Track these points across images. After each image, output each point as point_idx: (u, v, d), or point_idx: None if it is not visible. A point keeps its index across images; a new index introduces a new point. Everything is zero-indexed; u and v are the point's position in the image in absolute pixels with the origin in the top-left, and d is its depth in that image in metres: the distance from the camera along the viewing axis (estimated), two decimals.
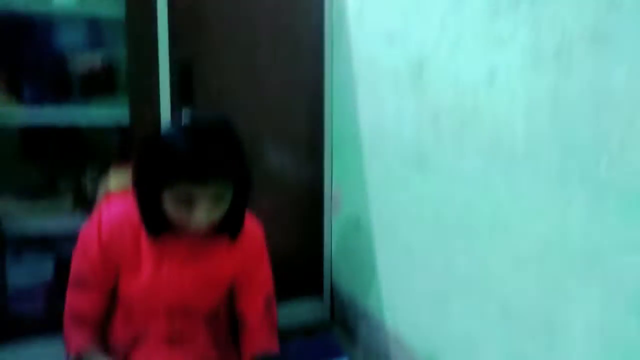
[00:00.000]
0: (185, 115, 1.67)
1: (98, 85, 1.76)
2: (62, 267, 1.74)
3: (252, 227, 1.24)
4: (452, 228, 1.29)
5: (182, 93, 1.69)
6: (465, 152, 1.22)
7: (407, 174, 1.48)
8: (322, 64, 1.93)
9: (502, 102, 1.09)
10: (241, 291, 1.25)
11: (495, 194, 1.13)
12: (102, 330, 1.18)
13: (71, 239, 1.15)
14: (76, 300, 1.14)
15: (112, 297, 1.18)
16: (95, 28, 1.77)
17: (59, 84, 1.71)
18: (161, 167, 0.99)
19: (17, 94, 1.63)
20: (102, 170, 1.77)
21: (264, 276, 1.27)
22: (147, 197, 1.04)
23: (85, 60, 1.72)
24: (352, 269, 1.90)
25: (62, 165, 1.88)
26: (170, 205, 1.01)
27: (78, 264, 1.14)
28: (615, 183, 0.85)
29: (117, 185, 1.68)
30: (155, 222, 1.07)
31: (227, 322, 1.29)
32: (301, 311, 2.02)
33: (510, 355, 1.11)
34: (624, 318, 0.85)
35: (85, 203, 1.79)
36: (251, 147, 1.08)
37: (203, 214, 1.00)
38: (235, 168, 1.03)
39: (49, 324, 1.62)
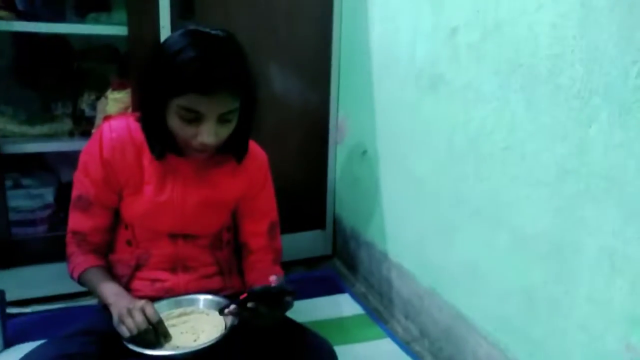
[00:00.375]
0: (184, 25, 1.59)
1: (94, 2, 1.67)
2: (63, 191, 1.74)
3: (257, 152, 1.20)
4: (463, 154, 1.25)
5: (182, 6, 1.60)
6: (482, 71, 1.16)
7: (419, 96, 1.42)
8: None
9: (525, 15, 1.01)
10: (244, 216, 1.23)
11: (512, 115, 1.07)
12: (105, 255, 1.17)
13: (70, 162, 1.12)
14: (79, 221, 1.13)
15: (115, 222, 1.16)
16: None
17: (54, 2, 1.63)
18: (169, 77, 0.93)
19: (9, 8, 1.55)
20: (99, 93, 1.73)
21: (267, 202, 1.25)
22: (153, 113, 1.00)
23: None
24: (356, 199, 1.88)
25: (58, 89, 1.82)
26: (176, 123, 0.97)
27: (80, 183, 1.11)
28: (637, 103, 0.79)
29: (115, 108, 1.64)
30: (160, 141, 1.04)
31: (232, 251, 1.27)
32: (303, 243, 2.02)
33: (516, 284, 1.10)
34: (637, 243, 0.81)
35: (83, 126, 1.75)
36: (254, 67, 1.02)
37: (211, 131, 0.96)
38: (244, 82, 0.98)
39: (50, 247, 1.62)
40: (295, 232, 1.97)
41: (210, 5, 1.66)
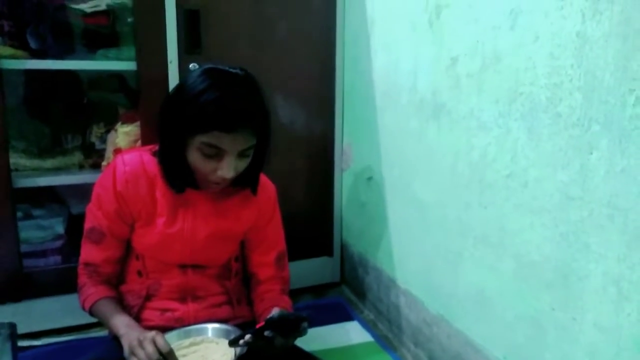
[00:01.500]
0: (195, 67, 1.63)
1: (103, 35, 1.72)
2: (73, 222, 1.76)
3: (266, 183, 1.23)
4: (467, 180, 1.26)
5: (189, 41, 1.65)
6: (483, 100, 1.18)
7: (422, 124, 1.44)
8: (333, 10, 1.86)
9: (524, 45, 1.04)
10: (253, 247, 1.25)
11: (513, 143, 1.09)
12: (116, 286, 1.19)
13: (81, 194, 1.14)
14: (91, 253, 1.15)
15: (127, 253, 1.18)
16: None
17: (63, 34, 1.68)
18: (192, 116, 0.98)
19: (22, 47, 1.60)
20: (109, 125, 1.77)
21: (275, 232, 1.27)
22: (174, 149, 1.04)
23: (90, 10, 1.67)
24: (363, 226, 1.89)
25: (68, 122, 1.86)
26: (197, 158, 1.01)
27: (93, 215, 1.13)
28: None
29: (125, 141, 1.68)
30: (180, 175, 1.07)
31: (241, 280, 1.28)
32: (310, 270, 2.02)
33: (524, 311, 1.10)
34: None
35: (93, 159, 1.78)
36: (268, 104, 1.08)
37: (231, 166, 1.01)
38: (262, 119, 1.04)
39: (61, 279, 1.63)
40: (303, 259, 1.97)
41: (217, 40, 1.70)
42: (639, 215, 0.82)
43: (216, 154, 1.00)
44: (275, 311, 0.98)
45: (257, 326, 0.95)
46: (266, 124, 1.06)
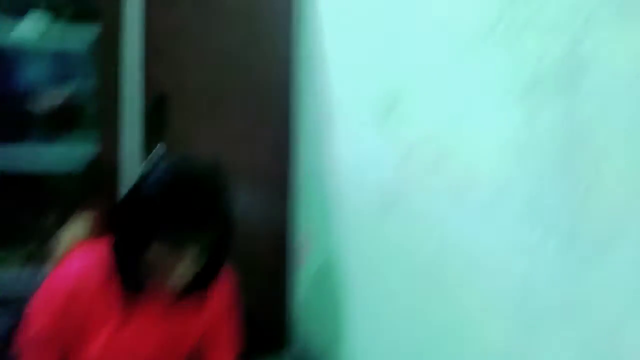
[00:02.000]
0: (159, 152, 1.62)
1: (62, 123, 1.71)
2: (16, 324, 1.63)
3: (224, 281, 1.18)
4: (425, 273, 1.27)
5: (153, 128, 1.65)
6: (435, 193, 1.21)
7: (377, 216, 1.46)
8: (290, 102, 1.93)
9: (472, 142, 1.09)
10: (208, 347, 1.19)
11: (466, 236, 1.12)
12: None
13: (26, 295, 1.07)
14: (31, 358, 1.06)
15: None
16: (60, 62, 1.73)
17: (19, 124, 1.66)
18: (145, 219, 0.96)
19: None
20: (62, 220, 1.70)
21: (231, 335, 1.23)
22: (128, 250, 1.00)
23: (49, 97, 1.68)
24: (320, 319, 1.84)
25: (18, 215, 1.79)
26: (151, 261, 0.98)
27: (37, 319, 1.05)
28: (585, 228, 0.84)
29: (77, 236, 1.61)
30: (134, 277, 1.02)
31: None
32: None
33: None
34: None
35: (42, 256, 1.70)
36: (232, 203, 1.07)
37: (186, 271, 0.98)
38: (221, 225, 1.01)
39: None
40: (259, 356, 1.89)
41: (179, 130, 1.71)
42: (595, 312, 0.84)
43: (170, 259, 0.97)
44: None
45: None
46: (225, 231, 1.03)
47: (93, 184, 1.63)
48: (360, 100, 1.55)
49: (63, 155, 1.68)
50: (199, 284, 1.08)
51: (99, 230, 1.57)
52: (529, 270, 0.96)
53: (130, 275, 1.03)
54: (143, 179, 1.02)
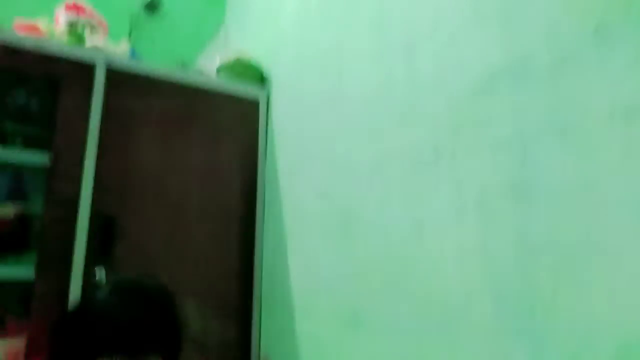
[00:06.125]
0: (100, 274, 1.54)
1: (5, 241, 1.62)
2: None
3: None
4: None
5: (100, 248, 1.58)
6: (398, 307, 1.18)
7: (341, 333, 1.39)
8: (253, 221, 1.92)
9: (431, 255, 1.09)
10: None
11: (433, 352, 1.06)
12: None
13: None
14: None
15: None
16: (13, 177, 1.70)
17: None
18: (83, 342, 0.90)
19: None
20: None
21: None
22: None
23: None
24: None
25: None
26: None
27: None
28: (553, 335, 0.82)
29: (4, 356, 1.45)
30: None
31: None
32: None
33: None
34: None
35: None
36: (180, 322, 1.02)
37: None
38: (167, 346, 0.96)
39: None
40: None
41: (130, 248, 1.65)
42: None
43: None
44: None
45: None
46: (173, 347, 0.98)
47: (29, 302, 1.50)
48: (321, 219, 1.55)
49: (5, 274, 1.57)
50: None
51: (31, 350, 1.42)
52: None
53: None
54: (83, 300, 1.02)
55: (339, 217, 1.46)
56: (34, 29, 1.76)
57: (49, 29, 1.80)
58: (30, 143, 1.67)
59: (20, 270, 1.54)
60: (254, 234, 1.91)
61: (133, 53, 1.91)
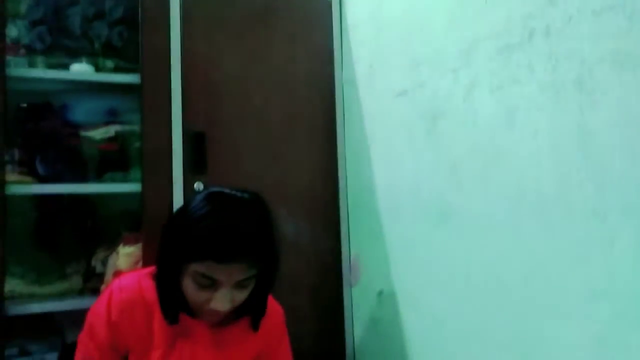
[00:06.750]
0: (198, 185, 1.64)
1: (111, 160, 1.76)
2: (67, 352, 1.65)
3: (272, 306, 1.14)
4: (483, 285, 1.19)
5: (194, 163, 1.67)
6: (489, 200, 1.15)
7: (430, 231, 1.40)
8: (334, 126, 1.92)
9: (524, 142, 1.04)
10: None
11: (527, 241, 1.04)
12: None
13: (80, 321, 1.08)
14: None
15: None
16: (110, 98, 1.79)
17: (73, 160, 1.72)
18: (187, 242, 0.94)
19: (31, 174, 1.63)
20: (111, 249, 1.73)
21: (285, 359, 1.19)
22: (169, 275, 0.99)
23: (100, 136, 1.73)
24: (377, 343, 1.76)
25: (72, 247, 1.84)
26: (190, 287, 0.96)
27: (84, 346, 1.06)
28: None
29: (125, 263, 1.63)
30: (174, 304, 1.01)
31: None
32: None
33: None
34: None
35: (93, 283, 1.72)
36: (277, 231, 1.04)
37: (225, 298, 0.94)
38: (264, 251, 0.98)
39: None
40: None
41: (221, 160, 1.72)
42: None
43: (210, 284, 0.94)
44: None
45: None
46: (270, 254, 1.00)
47: (141, 214, 1.64)
48: (404, 118, 1.52)
49: (113, 190, 1.73)
50: (244, 312, 1.05)
51: (147, 258, 1.58)
52: (599, 273, 0.88)
53: (168, 307, 1.01)
54: (183, 206, 1.02)
55: (422, 114, 1.42)
56: None
57: None
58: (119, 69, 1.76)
59: (129, 186, 1.68)
60: (335, 139, 1.91)
61: None
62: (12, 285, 1.62)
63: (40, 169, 1.66)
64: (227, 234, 0.92)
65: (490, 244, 1.16)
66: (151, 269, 1.10)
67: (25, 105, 1.70)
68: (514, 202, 1.08)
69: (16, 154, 1.63)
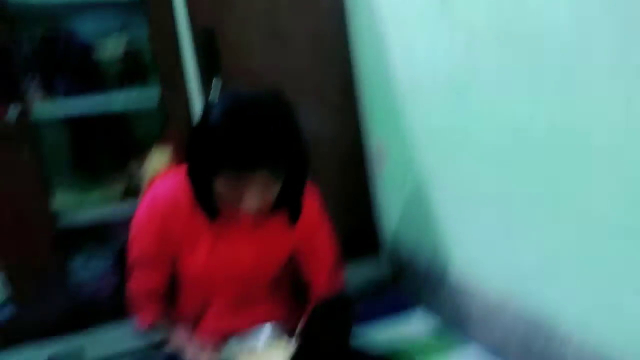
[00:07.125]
0: (216, 87, 1.64)
1: (128, 70, 1.76)
2: (121, 254, 1.78)
3: (309, 197, 1.18)
4: (507, 152, 1.22)
5: (208, 64, 1.66)
6: (507, 65, 1.14)
7: (450, 106, 1.41)
8: (343, 11, 1.86)
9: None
10: (304, 258, 1.24)
11: (551, 98, 1.04)
12: (170, 301, 1.19)
13: (125, 226, 1.16)
14: (140, 280, 1.15)
15: (176, 272, 1.18)
16: (116, 12, 1.78)
17: (89, 74, 1.72)
18: (211, 152, 0.96)
19: (50, 89, 1.65)
20: (144, 155, 1.78)
21: (325, 242, 1.25)
22: (200, 182, 1.03)
23: (112, 46, 1.73)
24: (409, 218, 1.85)
25: (108, 156, 1.91)
26: (221, 189, 0.99)
27: (138, 244, 1.13)
28: None
29: (159, 166, 1.69)
30: (210, 205, 1.05)
31: (291, 285, 1.28)
32: (360, 271, 1.98)
33: (587, 272, 1.04)
34: None
35: (134, 189, 1.80)
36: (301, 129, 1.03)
37: (253, 199, 0.97)
38: (287, 151, 0.98)
39: (114, 309, 1.66)
40: (351, 261, 1.93)
41: (234, 55, 1.71)
42: None
43: (240, 185, 0.97)
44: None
45: (301, 325, 0.93)
46: (294, 153, 1.00)
47: (166, 120, 1.67)
48: None
49: (134, 98, 1.74)
50: (283, 203, 1.08)
51: (177, 159, 1.63)
52: (619, 127, 0.88)
53: (205, 202, 1.05)
54: (208, 109, 1.01)
55: None
56: None
57: None
58: None
59: (148, 91, 1.70)
60: (348, 26, 1.87)
61: None
62: (60, 200, 1.72)
63: (59, 87, 1.68)
64: (245, 144, 0.93)
65: (510, 111, 1.18)
66: (184, 170, 1.13)
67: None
68: (533, 65, 1.07)
69: (35, 80, 1.64)
